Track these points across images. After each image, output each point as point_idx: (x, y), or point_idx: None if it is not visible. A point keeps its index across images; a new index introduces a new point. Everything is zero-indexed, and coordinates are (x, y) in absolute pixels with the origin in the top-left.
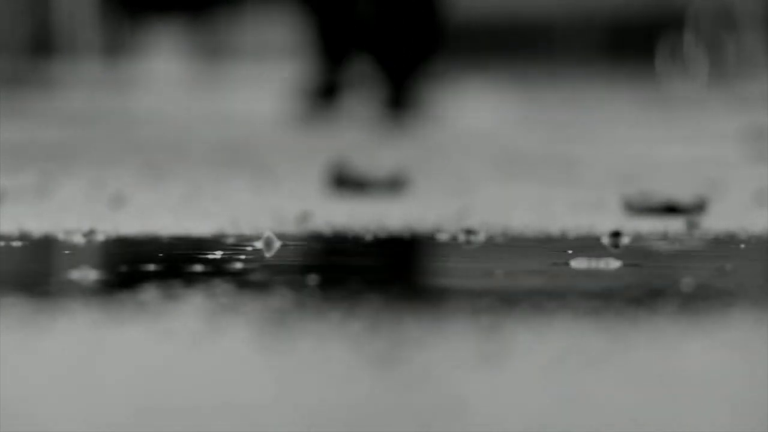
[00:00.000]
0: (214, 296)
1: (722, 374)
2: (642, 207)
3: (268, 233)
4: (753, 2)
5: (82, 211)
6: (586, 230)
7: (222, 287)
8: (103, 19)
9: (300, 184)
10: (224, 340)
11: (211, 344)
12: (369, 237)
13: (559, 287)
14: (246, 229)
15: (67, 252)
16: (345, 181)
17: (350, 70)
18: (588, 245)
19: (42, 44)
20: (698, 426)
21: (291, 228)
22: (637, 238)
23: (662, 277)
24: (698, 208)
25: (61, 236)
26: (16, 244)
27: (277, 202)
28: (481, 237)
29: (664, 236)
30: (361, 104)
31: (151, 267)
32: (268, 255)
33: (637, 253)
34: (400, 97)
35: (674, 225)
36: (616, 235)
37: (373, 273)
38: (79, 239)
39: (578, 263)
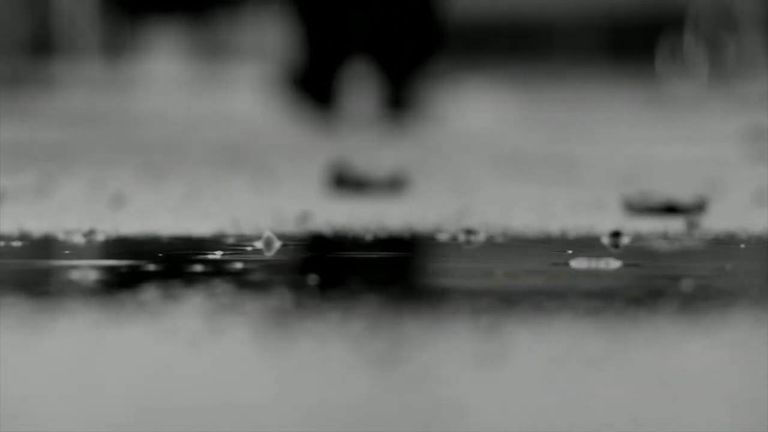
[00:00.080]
0: (214, 296)
1: (722, 374)
2: (642, 207)
3: (268, 233)
4: (753, 2)
5: (82, 211)
6: (586, 230)
7: (222, 287)
8: (103, 19)
9: (300, 184)
10: (224, 340)
11: (211, 344)
12: (369, 237)
13: (559, 287)
14: (246, 229)
15: (67, 252)
16: (345, 181)
17: (349, 71)
18: (588, 245)
19: (42, 44)
20: (698, 426)
21: (291, 228)
22: (637, 238)
23: (662, 277)
24: (698, 208)
25: (61, 236)
26: (16, 244)
27: (277, 202)
28: (481, 237)
29: (664, 236)
30: (360, 105)
31: (151, 267)
32: (268, 255)
33: (637, 253)
34: (400, 97)
35: (674, 225)
36: (616, 235)
37: (373, 273)
38: (79, 239)
39: (578, 263)
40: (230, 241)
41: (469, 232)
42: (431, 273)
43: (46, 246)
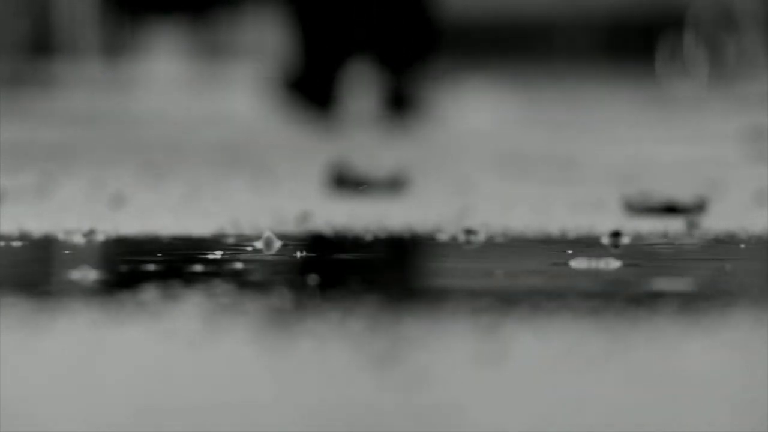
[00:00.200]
0: (214, 296)
1: (722, 374)
2: (642, 207)
3: (268, 233)
4: (753, 2)
5: (82, 211)
6: (586, 230)
7: (222, 287)
8: (103, 19)
9: (300, 184)
10: (224, 340)
11: (211, 344)
12: (369, 237)
13: (559, 287)
14: (246, 229)
15: (67, 252)
16: (345, 181)
17: (348, 71)
18: (588, 245)
19: (42, 44)
20: (698, 426)
21: (291, 228)
22: (637, 238)
23: (662, 277)
24: (698, 208)
25: (61, 236)
26: (16, 244)
27: (277, 202)
28: (481, 237)
29: (664, 236)
30: (360, 105)
31: (151, 267)
32: (268, 255)
33: (637, 253)
34: (400, 96)
35: (674, 225)
36: (616, 235)
37: (373, 273)
38: (79, 239)
39: (578, 263)
40: (230, 241)
41: (469, 232)
42: (431, 273)
43: (46, 246)
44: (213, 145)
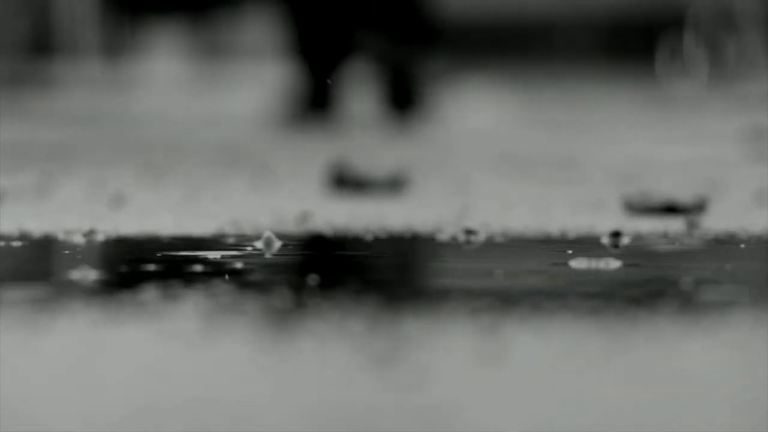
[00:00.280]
0: (214, 296)
1: (722, 374)
2: (642, 207)
3: (268, 233)
4: (753, 2)
5: (82, 211)
6: (586, 230)
7: (222, 287)
8: (103, 19)
9: (300, 184)
10: (224, 340)
11: (211, 344)
12: (369, 237)
13: (559, 287)
14: (246, 229)
15: (67, 252)
16: (345, 181)
17: (345, 74)
18: (588, 245)
19: (42, 44)
20: (698, 426)
21: (291, 228)
22: (637, 238)
23: (662, 277)
24: (698, 208)
25: (61, 236)
26: (16, 244)
27: (277, 202)
28: (481, 237)
29: (664, 236)
30: (360, 105)
31: (151, 267)
32: (268, 255)
33: (637, 253)
34: (401, 93)
35: (674, 225)
36: (616, 235)
37: (373, 273)
38: (79, 239)
39: (578, 263)
40: (230, 241)
41: (469, 232)
42: (431, 273)
43: (46, 246)
44: (213, 145)
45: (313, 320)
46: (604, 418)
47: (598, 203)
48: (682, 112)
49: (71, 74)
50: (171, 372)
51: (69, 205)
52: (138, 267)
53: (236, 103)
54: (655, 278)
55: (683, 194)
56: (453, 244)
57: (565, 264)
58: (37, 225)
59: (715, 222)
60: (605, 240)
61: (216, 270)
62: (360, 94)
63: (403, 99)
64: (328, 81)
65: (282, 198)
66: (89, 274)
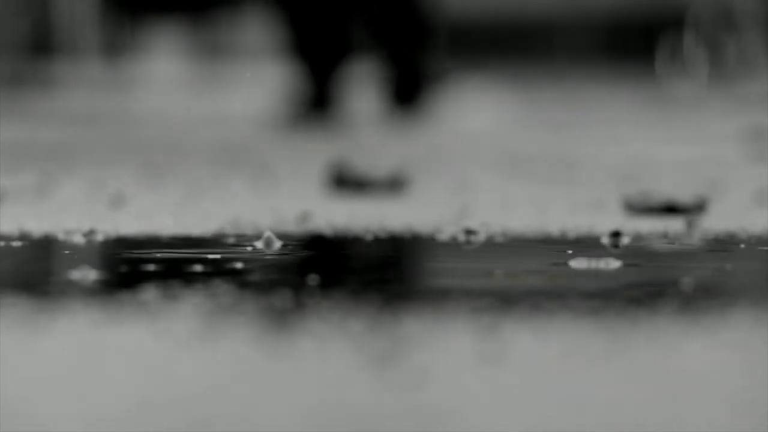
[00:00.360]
0: (214, 296)
1: (722, 374)
2: (642, 207)
3: (268, 233)
4: (753, 2)
5: (82, 211)
6: (586, 230)
7: (222, 287)
8: (103, 19)
9: (300, 184)
10: (224, 340)
11: (211, 344)
12: (369, 237)
13: (559, 287)
14: (246, 229)
15: (67, 252)
16: (345, 181)
17: (344, 74)
18: (588, 245)
19: (42, 44)
20: (698, 426)
21: (291, 228)
22: (637, 238)
23: (662, 277)
24: (698, 208)
25: (61, 236)
26: (16, 244)
27: (277, 202)
28: (481, 237)
29: (664, 236)
30: (361, 104)
31: (151, 267)
32: (268, 255)
33: (637, 253)
34: (404, 90)
35: (674, 225)
36: (616, 235)
37: (373, 273)
38: (79, 239)
39: (578, 263)
40: (230, 241)
41: (469, 232)
42: (431, 273)
43: (46, 246)
44: (213, 145)
45: (313, 320)
46: (604, 418)
47: (598, 203)
48: (682, 112)
49: (71, 74)
50: (171, 372)
51: (69, 205)
52: (138, 267)
53: (236, 103)
54: (655, 278)
55: (683, 194)
56: (453, 244)
57: (565, 264)
58: (37, 225)
59: (715, 222)
60: (605, 240)
61: (216, 270)
62: (360, 93)
63: (405, 94)
64: (328, 81)
65: (282, 198)
66: (89, 274)
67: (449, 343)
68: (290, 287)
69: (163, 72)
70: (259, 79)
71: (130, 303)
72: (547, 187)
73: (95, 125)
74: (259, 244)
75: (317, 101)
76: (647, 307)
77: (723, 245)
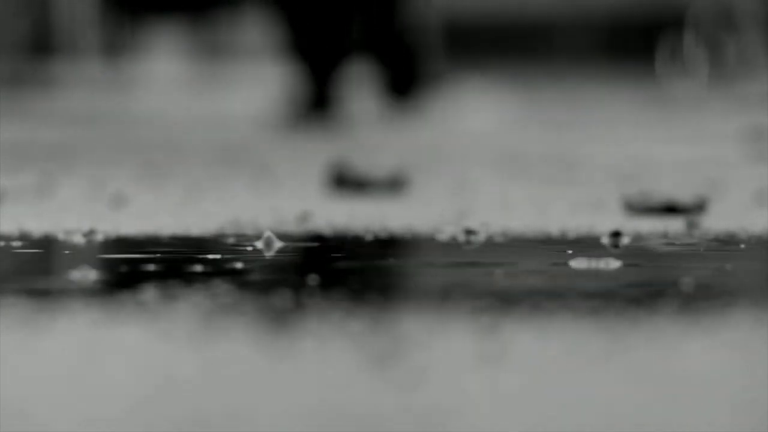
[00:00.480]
0: (214, 296)
1: (722, 374)
2: (642, 207)
3: (268, 233)
4: (753, 2)
5: (82, 211)
6: (586, 230)
7: (222, 287)
8: (103, 19)
9: (300, 184)
10: (224, 340)
11: (211, 344)
12: (369, 237)
13: (559, 287)
14: (246, 229)
15: (67, 252)
16: (345, 181)
17: (344, 74)
18: (588, 245)
19: (42, 44)
20: (698, 426)
21: (291, 228)
22: (637, 238)
23: (662, 277)
24: (698, 208)
25: (61, 236)
26: (16, 244)
27: (277, 202)
28: (481, 237)
29: (664, 236)
30: (361, 104)
31: (151, 267)
32: (268, 255)
33: (637, 253)
34: (401, 84)
35: (674, 225)
36: (616, 235)
37: (373, 273)
38: (79, 239)
39: (578, 263)
40: (230, 241)
41: (469, 232)
42: (431, 273)
43: (46, 246)
44: (213, 145)
45: (313, 320)
46: (604, 418)
47: (598, 203)
48: (682, 112)
49: (71, 74)
50: (171, 372)
51: (69, 205)
52: (138, 267)
53: (236, 104)
54: (655, 278)
55: (683, 194)
56: (453, 244)
57: (565, 264)
58: (37, 225)
59: (715, 222)
60: (605, 240)
61: (216, 270)
62: (359, 93)
63: (401, 89)
64: (328, 81)
65: (282, 198)
66: (89, 274)
67: (449, 343)
68: (290, 287)
69: (163, 72)
70: (259, 79)
71: (130, 303)
72: (547, 187)
73: (95, 125)
74: (259, 244)
75: (317, 101)
76: (647, 307)
77: (723, 245)
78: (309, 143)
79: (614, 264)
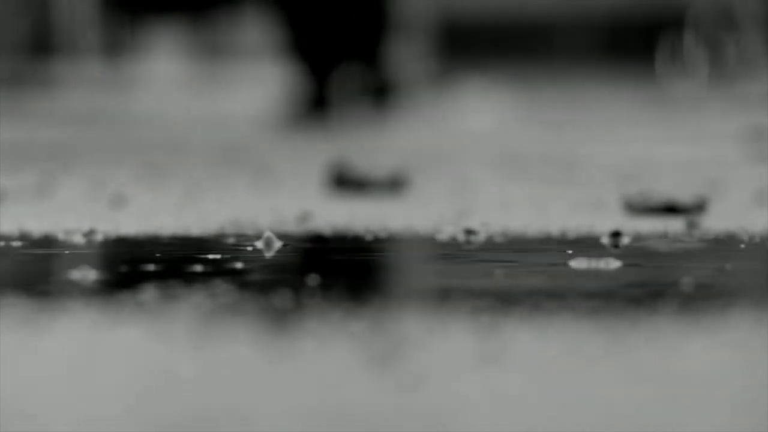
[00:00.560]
0: (214, 296)
1: (722, 374)
2: (642, 207)
3: (268, 233)
4: (753, 2)
5: (82, 211)
6: (586, 230)
7: (222, 287)
8: (103, 19)
9: (300, 184)
10: (224, 340)
11: (211, 344)
12: (369, 237)
13: (559, 287)
14: (246, 229)
15: (67, 252)
16: (345, 181)
17: (343, 74)
18: (588, 245)
19: (42, 44)
20: (698, 426)
21: (291, 228)
22: (637, 238)
23: (662, 277)
24: (698, 208)
25: (61, 236)
26: (16, 244)
27: (277, 202)
28: (481, 237)
29: (664, 236)
30: (354, 105)
31: (151, 267)
32: (268, 255)
33: (637, 253)
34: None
35: (674, 225)
36: (616, 235)
37: (373, 273)
38: (79, 239)
39: (578, 263)
40: (230, 241)
41: (469, 232)
42: (431, 273)
43: (46, 246)
44: (213, 145)
45: (313, 320)
46: (604, 418)
47: (598, 203)
48: (682, 112)
49: (71, 74)
50: (171, 372)
51: (69, 205)
52: (138, 267)
53: (236, 103)
54: (655, 278)
55: (683, 194)
56: (453, 244)
57: (565, 264)
58: (37, 225)
59: (715, 222)
60: (605, 240)
61: (216, 270)
62: (359, 93)
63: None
64: (328, 81)
65: (282, 198)
66: (89, 274)
67: (449, 343)
68: (290, 287)
69: (163, 72)
70: (259, 79)
71: (130, 303)
72: (547, 187)
73: (95, 125)
74: (259, 244)
75: (317, 101)
76: (647, 307)
77: (723, 245)
78: (309, 143)
79: (614, 264)
